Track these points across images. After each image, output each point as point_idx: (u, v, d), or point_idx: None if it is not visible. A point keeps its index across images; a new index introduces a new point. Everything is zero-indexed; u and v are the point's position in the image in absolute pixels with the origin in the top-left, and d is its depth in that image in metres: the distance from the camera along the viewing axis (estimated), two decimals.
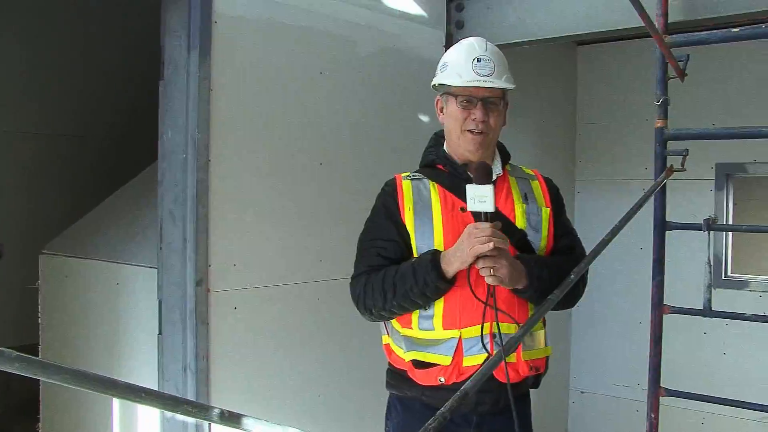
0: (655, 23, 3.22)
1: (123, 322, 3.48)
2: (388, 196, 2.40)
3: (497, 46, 2.22)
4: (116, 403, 3.44)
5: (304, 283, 3.36)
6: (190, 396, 2.95)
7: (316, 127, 3.45)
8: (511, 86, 2.35)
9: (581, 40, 5.39)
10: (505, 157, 2.51)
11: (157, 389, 2.95)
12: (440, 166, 2.44)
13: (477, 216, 2.16)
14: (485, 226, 2.14)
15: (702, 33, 3.28)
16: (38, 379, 1.14)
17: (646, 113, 4.28)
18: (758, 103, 4.99)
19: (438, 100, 2.46)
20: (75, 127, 5.73)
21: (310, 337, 3.43)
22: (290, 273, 3.33)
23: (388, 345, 2.46)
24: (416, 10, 3.99)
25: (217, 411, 1.35)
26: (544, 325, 2.43)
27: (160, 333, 3.05)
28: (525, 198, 2.41)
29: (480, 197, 2.14)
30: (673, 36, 3.28)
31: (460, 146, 2.38)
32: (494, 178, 2.36)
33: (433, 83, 2.46)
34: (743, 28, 3.20)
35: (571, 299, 2.42)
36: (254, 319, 3.21)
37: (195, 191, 2.94)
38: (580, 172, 5.85)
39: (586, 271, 2.46)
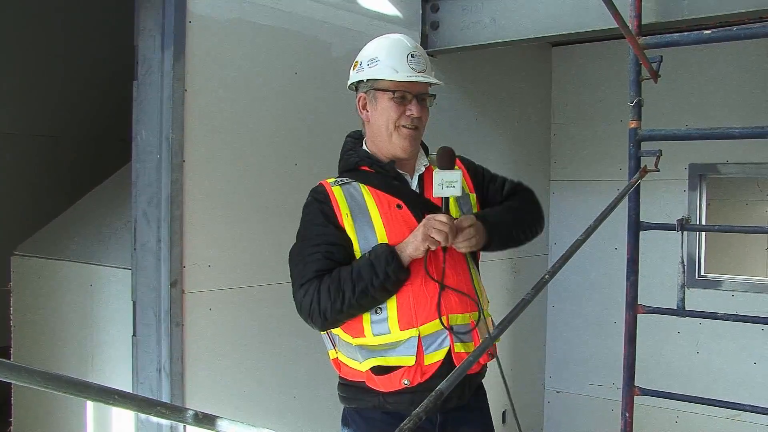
0: (629, 25, 3.24)
1: (96, 323, 3.45)
2: (323, 203, 2.33)
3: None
4: (90, 405, 3.41)
5: (279, 284, 3.34)
6: (165, 398, 2.93)
7: (291, 127, 3.45)
8: (441, 83, 2.40)
9: (556, 41, 5.43)
10: (426, 150, 2.53)
11: (131, 391, 2.93)
12: (365, 168, 2.42)
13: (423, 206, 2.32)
14: (444, 219, 2.18)
15: (675, 35, 3.31)
16: (10, 382, 1.12)
17: (620, 114, 4.32)
18: (731, 104, 5.04)
19: (361, 96, 2.41)
20: (49, 127, 5.68)
21: (285, 338, 3.42)
22: (265, 274, 3.32)
23: (336, 359, 2.41)
24: (391, 10, 4.00)
25: (191, 413, 1.34)
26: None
27: (134, 335, 3.03)
28: None
29: (448, 183, 2.20)
30: (647, 37, 3.31)
31: (392, 143, 2.36)
32: (423, 170, 2.44)
33: (359, 79, 2.40)
34: (715, 30, 3.23)
35: (530, 233, 2.53)
36: (229, 320, 3.20)
37: (169, 192, 2.92)
38: (555, 172, 5.87)
39: (539, 209, 2.58)
